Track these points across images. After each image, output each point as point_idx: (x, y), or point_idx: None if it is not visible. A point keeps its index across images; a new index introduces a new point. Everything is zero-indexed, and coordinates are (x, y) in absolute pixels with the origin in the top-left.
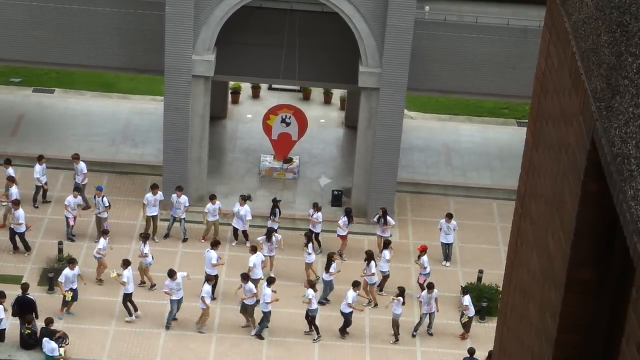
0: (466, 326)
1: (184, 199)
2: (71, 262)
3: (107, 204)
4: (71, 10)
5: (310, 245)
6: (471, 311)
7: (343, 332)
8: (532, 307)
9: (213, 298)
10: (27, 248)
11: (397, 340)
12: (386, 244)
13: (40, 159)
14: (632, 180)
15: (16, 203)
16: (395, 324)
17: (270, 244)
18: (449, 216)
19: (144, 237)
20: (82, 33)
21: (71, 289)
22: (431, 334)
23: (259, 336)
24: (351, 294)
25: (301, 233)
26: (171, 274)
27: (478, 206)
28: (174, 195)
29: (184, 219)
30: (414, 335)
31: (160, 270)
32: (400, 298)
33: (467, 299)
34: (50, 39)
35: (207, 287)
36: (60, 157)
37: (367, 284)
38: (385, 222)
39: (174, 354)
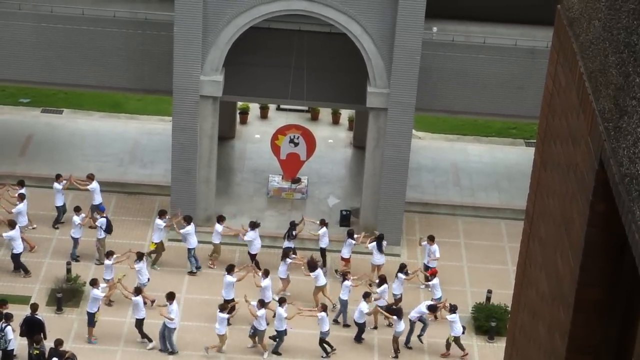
0: (448, 345)
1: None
2: (94, 282)
3: (102, 225)
4: (79, 31)
5: (317, 271)
6: (456, 331)
7: (359, 339)
8: (541, 327)
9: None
10: (17, 269)
11: (396, 356)
12: (402, 268)
13: (58, 178)
14: None
15: (11, 224)
16: (395, 341)
17: (286, 265)
18: (431, 238)
19: (139, 255)
20: (90, 54)
21: (89, 313)
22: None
23: (277, 353)
24: (364, 305)
25: (304, 256)
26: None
27: (486, 226)
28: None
29: (193, 249)
30: (410, 347)
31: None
32: (395, 317)
33: (453, 317)
34: (58, 60)
35: (223, 315)
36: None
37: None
38: (380, 249)
39: None
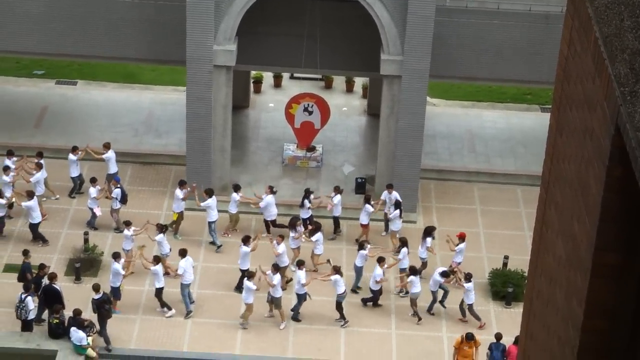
0: (463, 311)
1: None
2: (116, 256)
3: (117, 196)
4: (92, 2)
5: (317, 235)
6: (470, 298)
7: (374, 304)
8: (558, 293)
9: (239, 289)
10: (36, 239)
11: (419, 318)
12: (428, 232)
13: (74, 150)
14: None
15: (29, 194)
16: (414, 303)
17: (295, 233)
18: (389, 186)
19: (160, 227)
20: (103, 24)
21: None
22: (444, 307)
23: (296, 319)
24: (378, 271)
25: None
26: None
27: (502, 192)
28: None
29: (213, 222)
30: (432, 314)
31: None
32: (412, 277)
33: (468, 285)
34: (71, 31)
35: (249, 283)
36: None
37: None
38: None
39: (200, 342)
